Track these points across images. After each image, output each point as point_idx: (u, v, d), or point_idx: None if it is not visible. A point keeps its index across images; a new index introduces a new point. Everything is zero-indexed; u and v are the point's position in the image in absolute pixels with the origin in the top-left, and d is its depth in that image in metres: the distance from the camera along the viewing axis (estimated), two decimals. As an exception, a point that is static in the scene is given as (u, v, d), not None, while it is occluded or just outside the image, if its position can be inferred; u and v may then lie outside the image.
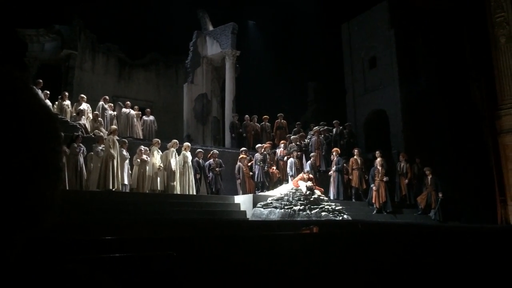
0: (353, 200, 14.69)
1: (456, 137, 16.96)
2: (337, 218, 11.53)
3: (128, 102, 16.79)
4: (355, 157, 14.94)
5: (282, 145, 15.01)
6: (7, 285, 0.55)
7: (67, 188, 11.02)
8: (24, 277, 0.57)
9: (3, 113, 0.54)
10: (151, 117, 16.95)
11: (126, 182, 11.95)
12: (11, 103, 0.55)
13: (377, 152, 14.76)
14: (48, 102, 14.38)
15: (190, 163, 12.86)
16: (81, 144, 11.63)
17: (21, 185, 0.54)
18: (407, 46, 19.25)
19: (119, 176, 11.70)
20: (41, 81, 14.34)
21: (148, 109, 17.62)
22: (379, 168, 14.24)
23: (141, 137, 15.67)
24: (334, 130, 17.22)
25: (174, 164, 12.52)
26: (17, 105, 0.56)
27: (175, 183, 12.46)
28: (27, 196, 0.55)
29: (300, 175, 12.77)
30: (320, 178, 14.48)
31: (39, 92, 14.12)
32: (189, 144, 13.63)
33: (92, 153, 11.72)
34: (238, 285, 3.59)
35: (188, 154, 12.98)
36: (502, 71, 16.88)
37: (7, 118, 0.54)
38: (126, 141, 12.51)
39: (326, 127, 17.12)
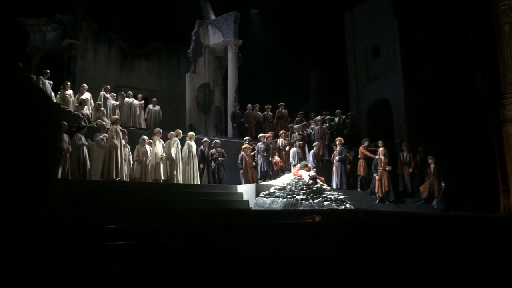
0: (359, 190, 14.70)
1: (459, 126, 16.89)
2: (340, 207, 11.56)
3: (130, 92, 16.80)
4: (364, 144, 14.95)
5: (282, 134, 14.99)
6: (14, 269, 0.56)
7: (70, 178, 11.11)
8: (31, 261, 0.58)
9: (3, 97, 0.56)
10: (157, 107, 16.98)
11: (125, 172, 12.02)
12: (7, 89, 0.57)
13: (379, 142, 14.73)
14: (51, 91, 14.43)
15: (194, 153, 12.90)
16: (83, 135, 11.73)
17: (25, 160, 0.56)
18: (410, 34, 19.11)
19: (123, 166, 11.74)
20: (48, 71, 14.46)
21: (155, 99, 17.70)
22: (382, 157, 14.22)
23: (144, 127, 15.69)
24: (337, 119, 17.20)
25: (174, 154, 12.54)
26: (13, 91, 0.58)
27: (175, 172, 12.50)
28: (33, 171, 0.57)
29: (298, 165, 12.77)
30: (323, 168, 14.49)
31: (46, 81, 14.19)
32: (193, 133, 13.65)
33: (94, 142, 11.77)
34: (241, 273, 3.62)
35: (193, 143, 13.00)
36: (506, 60, 16.78)
37: (6, 101, 0.56)
38: (125, 131, 12.52)
39: (328, 117, 17.10)
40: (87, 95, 14.68)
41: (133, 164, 12.43)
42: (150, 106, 16.82)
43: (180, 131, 13.18)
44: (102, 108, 14.38)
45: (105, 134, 11.81)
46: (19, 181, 0.56)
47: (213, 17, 20.70)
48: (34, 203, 0.60)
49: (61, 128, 0.67)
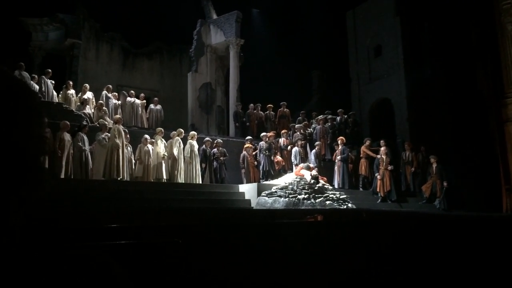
0: (361, 189, 14.70)
1: (461, 125, 16.87)
2: (342, 207, 11.55)
3: (132, 91, 16.81)
4: (366, 144, 14.95)
5: (284, 134, 14.99)
6: (14, 268, 0.56)
7: (72, 177, 11.13)
8: (32, 261, 0.58)
9: None
10: (158, 107, 16.98)
11: (127, 171, 12.04)
12: None
13: (381, 141, 14.72)
14: (53, 91, 14.47)
15: (196, 152, 12.90)
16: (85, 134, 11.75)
17: (10, 149, 0.56)
18: (412, 34, 19.08)
19: (125, 165, 11.74)
20: (50, 70, 14.56)
21: (156, 98, 17.70)
22: (384, 157, 14.21)
23: (146, 127, 15.71)
24: (338, 118, 17.19)
25: (176, 153, 12.55)
26: None
27: (176, 171, 12.50)
28: (20, 159, 0.57)
29: (301, 165, 12.78)
30: (325, 167, 14.48)
31: (48, 81, 14.25)
32: (195, 133, 13.66)
33: (96, 142, 11.80)
34: (243, 272, 3.62)
35: (195, 143, 13.00)
36: (508, 59, 16.74)
37: None
38: (126, 130, 12.53)
39: (330, 116, 17.09)
40: (89, 95, 14.71)
41: (135, 164, 12.44)
42: (152, 106, 16.85)
43: (182, 130, 13.18)
44: (104, 108, 14.40)
45: (107, 134, 11.83)
46: (5, 170, 0.56)
47: (215, 16, 20.71)
48: (22, 191, 0.60)
49: (43, 116, 0.67)
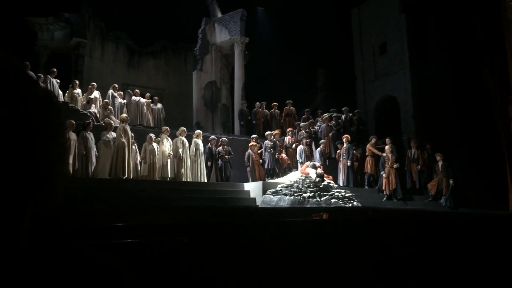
0: (366, 187, 14.67)
1: (467, 123, 16.77)
2: (347, 205, 11.53)
3: (137, 90, 16.83)
4: (371, 142, 14.93)
5: (289, 132, 14.98)
6: (20, 267, 0.56)
7: (76, 176, 11.19)
8: (38, 260, 0.59)
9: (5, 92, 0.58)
10: (159, 105, 16.96)
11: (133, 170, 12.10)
12: (9, 87, 0.59)
13: (387, 139, 14.69)
14: (59, 90, 14.56)
15: (201, 150, 12.92)
16: (90, 132, 11.80)
17: (29, 158, 0.57)
18: (418, 31, 18.98)
19: (131, 164, 11.78)
20: (55, 70, 14.63)
21: (156, 97, 17.65)
22: (389, 155, 14.17)
23: (152, 125, 15.75)
24: (343, 116, 17.14)
25: (181, 152, 12.58)
26: (16, 88, 0.60)
27: (182, 170, 12.53)
28: (37, 168, 0.58)
29: (306, 163, 12.79)
30: (330, 165, 14.46)
31: (54, 80, 14.35)
32: (200, 131, 13.67)
33: (101, 141, 11.85)
34: (248, 270, 3.63)
35: (200, 141, 13.01)
36: (515, 56, 16.60)
37: (8, 99, 0.57)
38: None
39: (335, 114, 17.05)
40: (96, 94, 14.78)
41: (140, 162, 12.48)
42: (152, 105, 16.71)
43: (184, 129, 13.16)
44: (109, 107, 14.45)
45: (112, 133, 11.88)
46: (23, 178, 0.57)
47: (219, 15, 20.70)
48: (39, 199, 0.60)
49: (64, 124, 0.68)
